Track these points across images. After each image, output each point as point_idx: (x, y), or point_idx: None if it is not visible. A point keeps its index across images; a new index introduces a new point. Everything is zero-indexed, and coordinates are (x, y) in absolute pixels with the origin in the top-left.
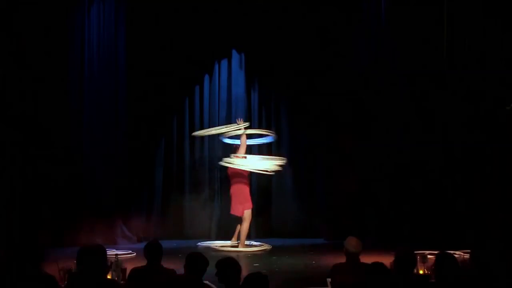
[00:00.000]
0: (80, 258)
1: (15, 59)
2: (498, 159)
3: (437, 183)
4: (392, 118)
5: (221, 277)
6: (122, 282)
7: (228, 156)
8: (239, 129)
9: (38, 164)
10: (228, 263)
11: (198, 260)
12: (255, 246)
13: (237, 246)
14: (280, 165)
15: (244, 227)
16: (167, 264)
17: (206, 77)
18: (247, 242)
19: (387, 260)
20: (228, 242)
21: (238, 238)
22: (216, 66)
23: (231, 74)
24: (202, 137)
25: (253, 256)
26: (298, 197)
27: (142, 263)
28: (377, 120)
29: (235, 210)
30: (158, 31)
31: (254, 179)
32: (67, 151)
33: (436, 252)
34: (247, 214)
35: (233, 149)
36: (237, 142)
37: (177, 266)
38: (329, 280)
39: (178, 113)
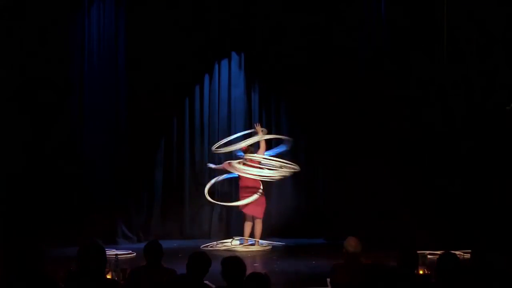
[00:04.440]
0: (80, 258)
1: (15, 59)
2: (498, 159)
3: (437, 182)
4: (393, 118)
5: (225, 275)
6: (122, 282)
7: (231, 157)
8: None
9: (38, 165)
10: (234, 262)
11: (201, 260)
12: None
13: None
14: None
15: (259, 226)
16: (167, 264)
17: (206, 77)
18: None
19: (387, 260)
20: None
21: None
22: (216, 66)
23: (231, 75)
24: (203, 137)
25: (253, 256)
26: (298, 197)
27: (142, 263)
28: (377, 120)
29: (252, 211)
30: (158, 31)
31: None
32: (67, 151)
33: (436, 252)
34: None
35: (244, 150)
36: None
37: (177, 266)
38: (329, 280)
39: (178, 113)
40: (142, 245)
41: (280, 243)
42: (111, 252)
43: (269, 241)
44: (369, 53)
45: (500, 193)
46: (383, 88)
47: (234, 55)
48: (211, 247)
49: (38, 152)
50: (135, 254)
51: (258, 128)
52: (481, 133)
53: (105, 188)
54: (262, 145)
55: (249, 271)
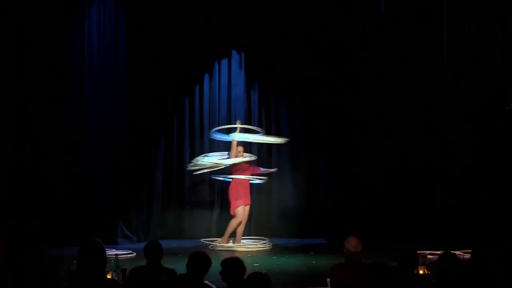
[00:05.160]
0: (80, 258)
1: (15, 59)
2: (498, 159)
3: (438, 183)
4: (392, 118)
5: (224, 276)
6: (122, 282)
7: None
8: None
9: (38, 164)
10: (233, 263)
11: (201, 260)
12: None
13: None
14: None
15: (233, 223)
16: (167, 264)
17: (206, 77)
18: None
19: (387, 260)
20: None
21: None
22: (216, 66)
23: (231, 74)
24: (202, 137)
25: (253, 256)
26: (298, 197)
27: (142, 263)
28: (377, 120)
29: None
30: (157, 31)
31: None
32: (67, 151)
33: (436, 252)
34: (237, 212)
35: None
36: (225, 137)
37: (177, 266)
38: (329, 280)
39: (178, 113)
40: (142, 245)
41: (267, 241)
42: (111, 252)
43: (270, 241)
44: (368, 53)
45: (501, 193)
46: (383, 87)
47: (234, 54)
48: (210, 247)
49: (38, 152)
50: (135, 254)
51: (238, 123)
52: (482, 133)
53: (105, 188)
54: (233, 145)
55: (249, 271)
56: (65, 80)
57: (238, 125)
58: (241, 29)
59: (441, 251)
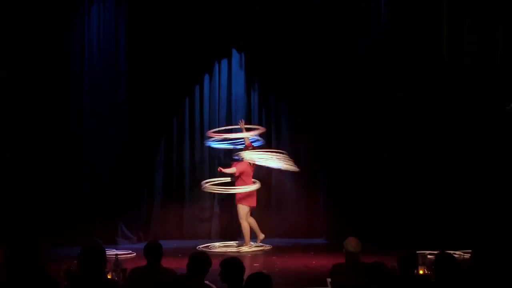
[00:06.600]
0: (80, 258)
1: (16, 58)
2: (499, 159)
3: (438, 183)
4: (392, 118)
5: (224, 277)
6: (122, 282)
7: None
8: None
9: (38, 164)
10: (233, 263)
11: (201, 260)
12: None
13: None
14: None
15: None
16: (167, 264)
17: (206, 77)
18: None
19: (387, 260)
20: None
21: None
22: (216, 66)
23: (231, 74)
24: (203, 137)
25: (253, 256)
26: (298, 197)
27: (142, 263)
28: (378, 119)
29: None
30: (158, 31)
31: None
32: (67, 151)
33: (436, 252)
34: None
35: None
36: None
37: (177, 266)
38: (329, 280)
39: (178, 113)
40: (142, 245)
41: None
42: (111, 252)
43: (270, 241)
44: (369, 53)
45: (501, 192)
46: (383, 87)
47: (234, 54)
48: (211, 248)
49: (38, 153)
50: (135, 254)
51: (242, 124)
52: (481, 133)
53: (105, 188)
54: (246, 142)
55: (249, 271)
56: (65, 79)
57: (242, 126)
58: (241, 29)
59: (438, 251)
